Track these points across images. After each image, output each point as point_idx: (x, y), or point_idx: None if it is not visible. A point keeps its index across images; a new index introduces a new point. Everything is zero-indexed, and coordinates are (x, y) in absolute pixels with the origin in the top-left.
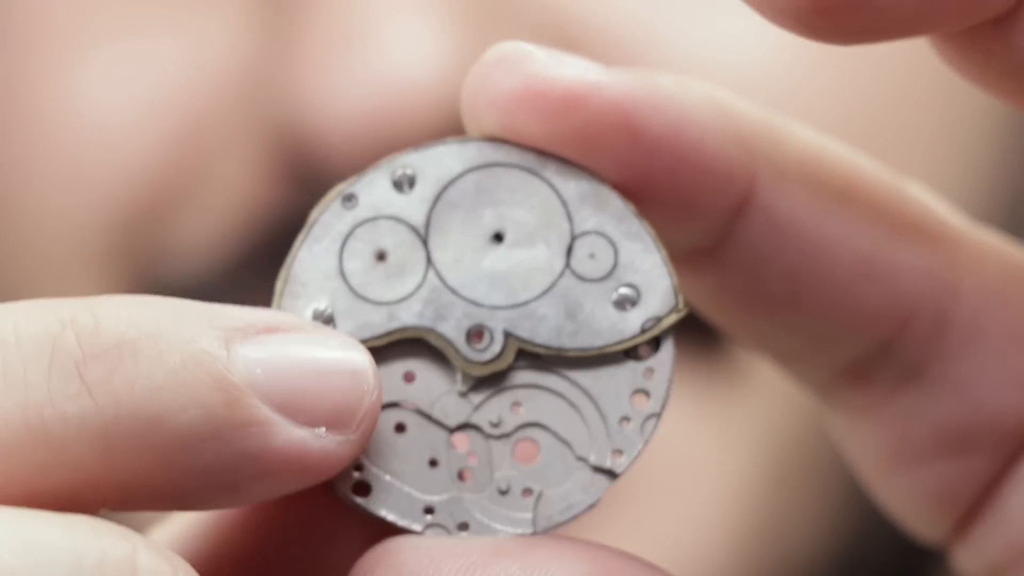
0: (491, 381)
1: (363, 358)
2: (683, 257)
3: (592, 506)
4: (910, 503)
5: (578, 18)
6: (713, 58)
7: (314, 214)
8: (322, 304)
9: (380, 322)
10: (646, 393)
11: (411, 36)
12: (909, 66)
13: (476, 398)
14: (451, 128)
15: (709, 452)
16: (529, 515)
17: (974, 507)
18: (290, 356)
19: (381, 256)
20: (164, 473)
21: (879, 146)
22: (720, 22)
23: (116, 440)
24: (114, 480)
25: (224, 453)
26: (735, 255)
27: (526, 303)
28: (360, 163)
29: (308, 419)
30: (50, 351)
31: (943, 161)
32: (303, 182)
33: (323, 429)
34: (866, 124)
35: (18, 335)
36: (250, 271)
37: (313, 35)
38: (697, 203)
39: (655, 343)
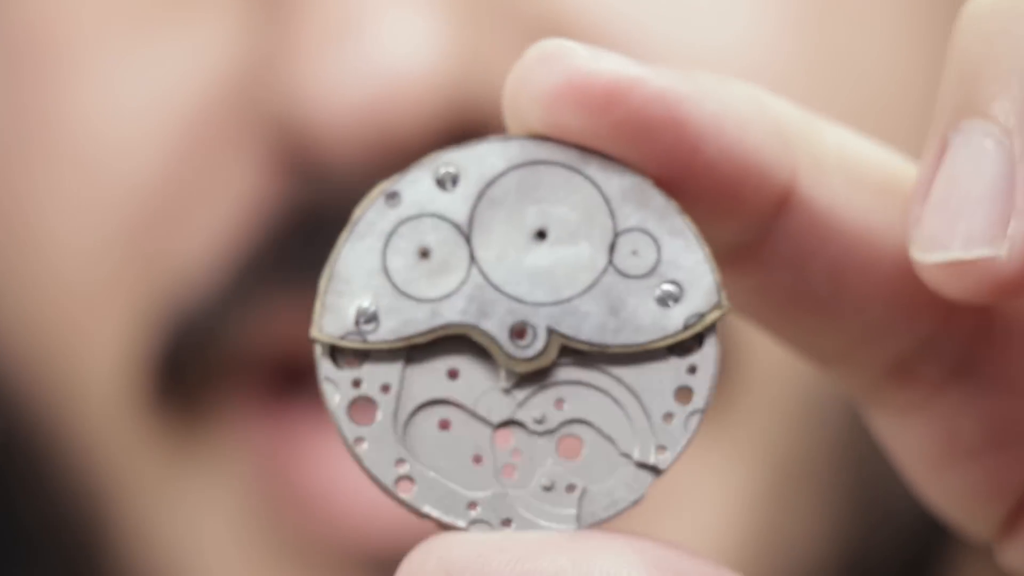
0: (534, 378)
1: None
2: (725, 255)
3: (636, 502)
4: (960, 500)
5: (572, 10)
6: (705, 57)
7: (357, 212)
8: (366, 301)
9: (424, 319)
10: (690, 389)
11: (407, 28)
12: (900, 66)
13: (519, 394)
14: (448, 120)
15: (708, 464)
16: (573, 511)
17: None
18: None
19: (424, 253)
20: None
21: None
22: (713, 21)
23: None
24: None
25: None
26: (777, 251)
27: (569, 300)
28: (358, 155)
29: None
30: None
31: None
32: (302, 176)
33: None
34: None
35: None
36: (255, 267)
37: (309, 28)
38: (739, 198)
39: (698, 339)
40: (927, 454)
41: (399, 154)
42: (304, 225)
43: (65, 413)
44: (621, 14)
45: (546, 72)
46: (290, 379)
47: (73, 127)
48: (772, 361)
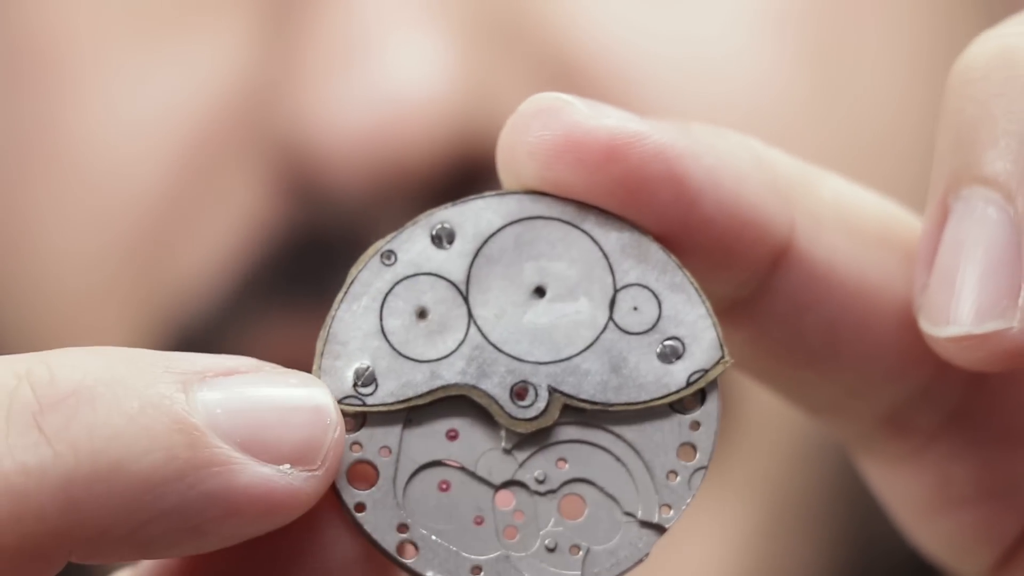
0: (535, 437)
1: (323, 393)
2: (721, 309)
3: (640, 561)
4: (950, 545)
5: (578, 35)
6: (711, 86)
7: (353, 272)
8: (363, 364)
9: (423, 380)
10: (693, 446)
11: (413, 53)
12: (899, 90)
13: (521, 455)
14: (453, 147)
15: (706, 501)
16: (577, 572)
17: (1017, 542)
18: (249, 395)
19: (422, 313)
20: (129, 519)
21: (869, 162)
22: (719, 52)
23: (78, 488)
24: (79, 529)
25: (188, 495)
26: (773, 305)
27: (570, 358)
28: (361, 180)
29: (272, 456)
30: (7, 404)
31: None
32: (307, 199)
33: (288, 466)
34: (854, 155)
35: None
36: (254, 287)
37: (315, 52)
38: (737, 253)
39: (701, 395)
40: (919, 501)
41: (403, 180)
42: (304, 246)
43: None
44: (627, 43)
45: (543, 127)
46: None
47: (76, 139)
48: (768, 399)
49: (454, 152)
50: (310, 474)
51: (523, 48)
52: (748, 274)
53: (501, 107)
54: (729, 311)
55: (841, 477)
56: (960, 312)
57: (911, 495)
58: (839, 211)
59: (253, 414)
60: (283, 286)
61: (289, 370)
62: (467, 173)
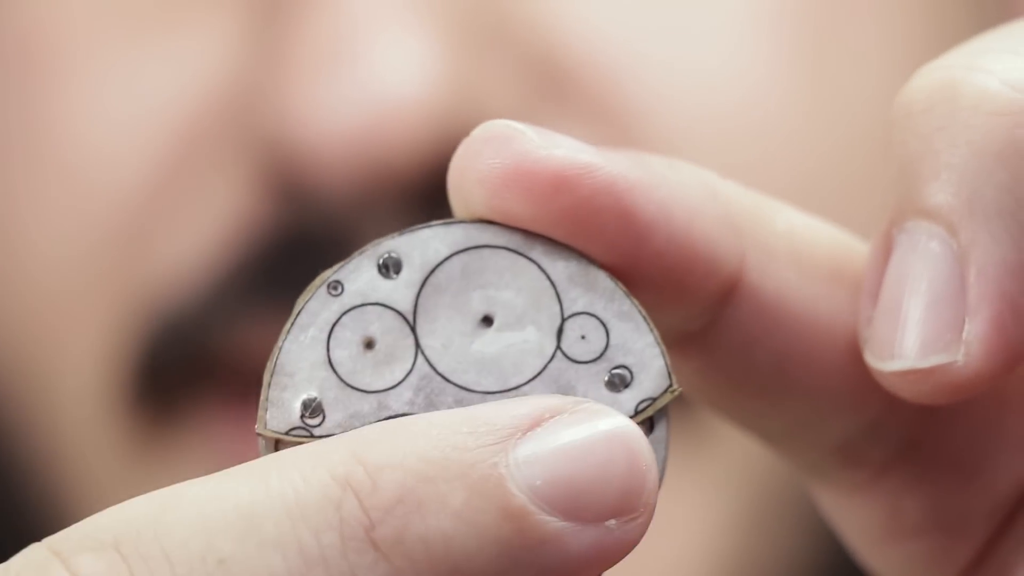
0: None
1: (634, 428)
2: (671, 340)
3: None
4: (903, 573)
5: (565, 36)
6: (698, 82)
7: (300, 302)
8: (311, 395)
9: (370, 411)
10: None
11: (400, 54)
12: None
13: None
14: (439, 148)
15: (685, 492)
16: None
17: (968, 569)
18: (563, 451)
19: (369, 344)
20: None
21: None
22: (707, 48)
23: None
24: None
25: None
26: (723, 338)
27: (517, 387)
28: (346, 180)
29: (597, 516)
30: (338, 522)
31: None
32: (292, 199)
33: (613, 521)
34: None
35: (301, 506)
36: (238, 285)
37: (302, 52)
38: (686, 286)
39: (649, 423)
40: (870, 531)
41: (388, 181)
42: (288, 245)
43: (39, 417)
44: (614, 41)
45: (493, 154)
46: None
47: (62, 135)
48: None
49: (440, 153)
50: (635, 522)
51: (510, 49)
52: (698, 307)
53: (487, 108)
54: (679, 342)
55: None
56: (904, 346)
57: (862, 524)
58: (791, 244)
59: (571, 474)
60: (267, 285)
61: (593, 407)
62: None
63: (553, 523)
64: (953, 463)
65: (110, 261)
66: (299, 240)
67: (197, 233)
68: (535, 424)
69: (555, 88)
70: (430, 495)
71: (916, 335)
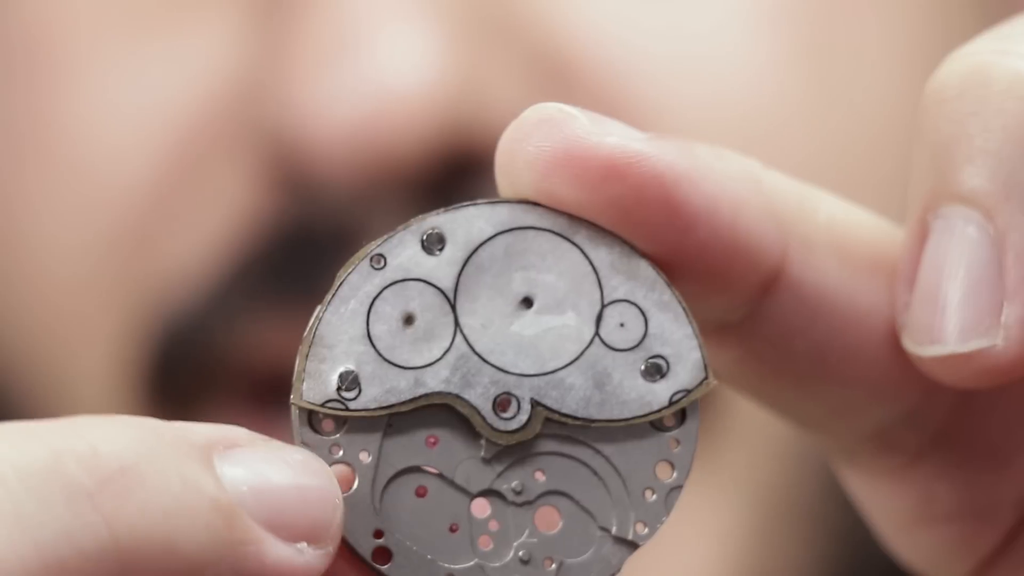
0: (515, 448)
1: (329, 473)
2: (710, 329)
3: None
4: (929, 556)
5: (569, 29)
6: (704, 80)
7: (341, 274)
8: (348, 368)
9: (406, 388)
10: (671, 464)
11: (403, 46)
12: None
13: (499, 465)
14: (443, 140)
15: (696, 501)
16: None
17: (994, 554)
18: (269, 473)
19: (409, 320)
20: None
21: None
22: (712, 46)
23: (134, 569)
24: None
25: (225, 574)
26: (763, 328)
27: (554, 371)
28: (351, 173)
29: (291, 535)
30: (59, 484)
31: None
32: (297, 193)
33: (304, 544)
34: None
35: (16, 470)
36: (243, 280)
37: (307, 42)
38: (728, 278)
39: (681, 414)
40: (900, 516)
41: (392, 174)
42: (294, 239)
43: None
44: (620, 39)
45: (544, 137)
46: (275, 390)
47: (67, 132)
48: None
49: (444, 146)
50: (322, 552)
51: (513, 41)
52: (738, 299)
53: (491, 101)
54: (718, 332)
55: (831, 476)
56: (944, 331)
57: (893, 509)
58: (833, 236)
59: (275, 492)
60: (272, 279)
61: (284, 444)
62: (457, 167)
63: (256, 528)
64: (987, 451)
65: (118, 261)
66: (304, 233)
67: (204, 228)
68: (230, 445)
69: (558, 81)
70: (151, 473)
71: (956, 320)
